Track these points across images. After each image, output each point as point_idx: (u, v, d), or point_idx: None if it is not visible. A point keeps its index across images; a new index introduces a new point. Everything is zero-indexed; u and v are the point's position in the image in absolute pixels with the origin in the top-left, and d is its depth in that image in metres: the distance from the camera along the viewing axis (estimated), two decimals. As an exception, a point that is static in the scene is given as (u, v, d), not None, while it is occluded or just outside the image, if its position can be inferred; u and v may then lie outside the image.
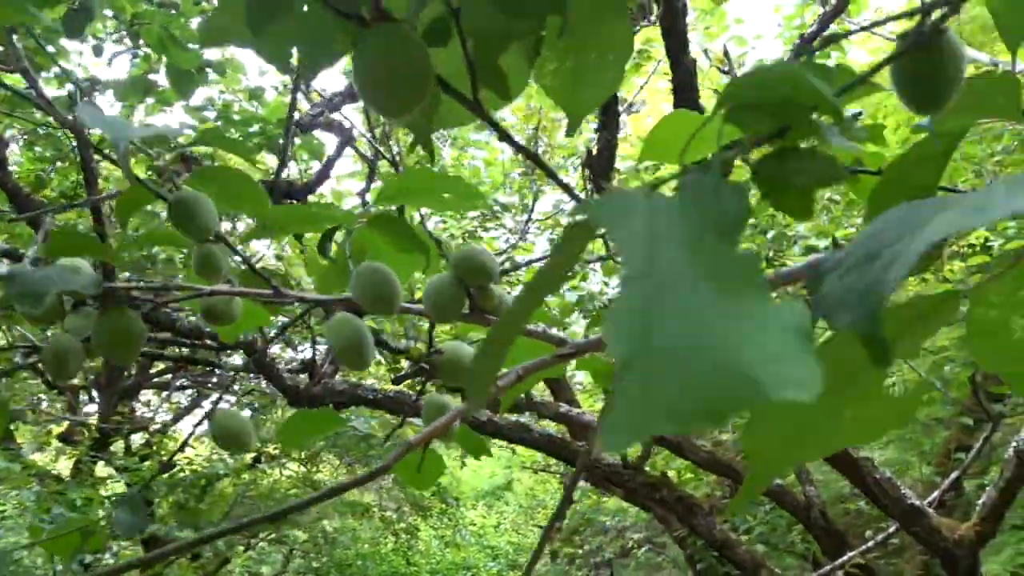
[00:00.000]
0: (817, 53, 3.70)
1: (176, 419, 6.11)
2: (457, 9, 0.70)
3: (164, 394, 6.23)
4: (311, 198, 3.76)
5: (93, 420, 5.55)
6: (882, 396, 0.56)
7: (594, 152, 3.25)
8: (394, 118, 0.63)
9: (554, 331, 0.95)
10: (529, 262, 3.84)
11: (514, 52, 0.83)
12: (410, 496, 6.91)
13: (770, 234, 4.07)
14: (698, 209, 0.35)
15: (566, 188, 0.82)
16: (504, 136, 0.74)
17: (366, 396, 3.31)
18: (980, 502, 3.36)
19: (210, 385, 5.69)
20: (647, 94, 4.69)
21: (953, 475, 3.75)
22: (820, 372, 0.27)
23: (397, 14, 0.67)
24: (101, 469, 5.71)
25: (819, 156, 0.49)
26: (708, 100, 4.90)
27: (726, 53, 3.03)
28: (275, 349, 4.19)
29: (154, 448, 5.38)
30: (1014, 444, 3.31)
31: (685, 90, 2.98)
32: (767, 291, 0.30)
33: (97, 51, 2.66)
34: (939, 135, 0.84)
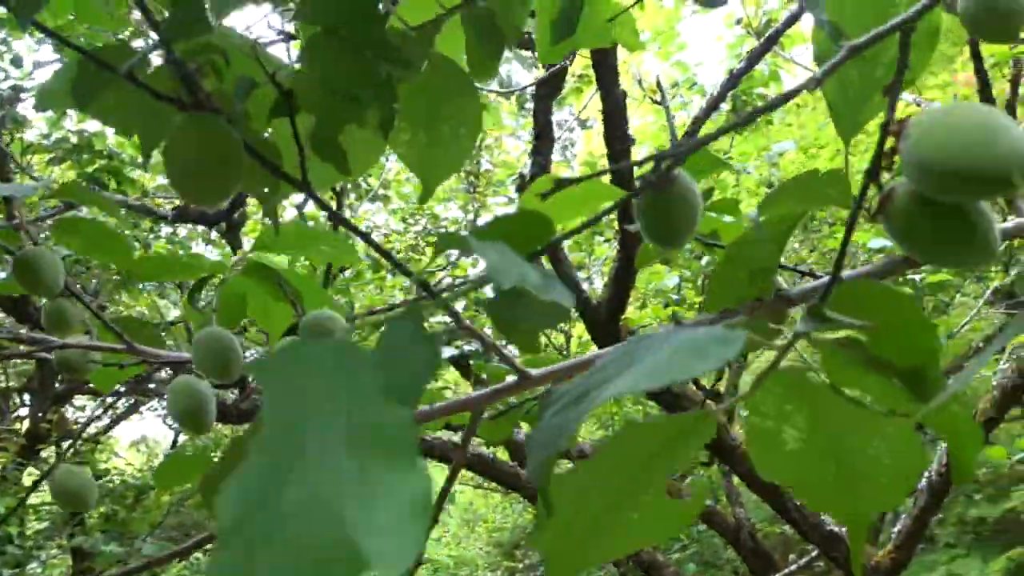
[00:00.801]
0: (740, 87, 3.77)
1: (110, 426, 6.00)
2: (289, 91, 0.71)
3: (99, 400, 6.12)
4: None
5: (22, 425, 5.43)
6: (666, 500, 0.59)
7: (528, 177, 3.28)
8: (203, 205, 0.64)
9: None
10: (463, 282, 3.85)
11: (369, 125, 0.84)
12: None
13: (705, 259, 4.13)
14: (385, 362, 0.37)
15: (417, 280, 0.84)
16: (356, 232, 0.76)
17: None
18: (895, 530, 3.45)
19: (147, 391, 5.60)
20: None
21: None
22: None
23: (220, 99, 0.68)
24: (29, 477, 5.59)
25: (543, 302, 0.52)
26: (638, 130, 4.96)
27: (658, 84, 3.08)
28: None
29: (84, 456, 5.27)
30: (926, 474, 3.41)
31: (615, 120, 3.02)
32: (410, 458, 0.32)
33: (16, 62, 2.62)
34: (775, 222, 0.87)
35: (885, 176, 0.61)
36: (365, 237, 0.72)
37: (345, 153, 0.77)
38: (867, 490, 0.60)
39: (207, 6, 0.70)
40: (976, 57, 2.80)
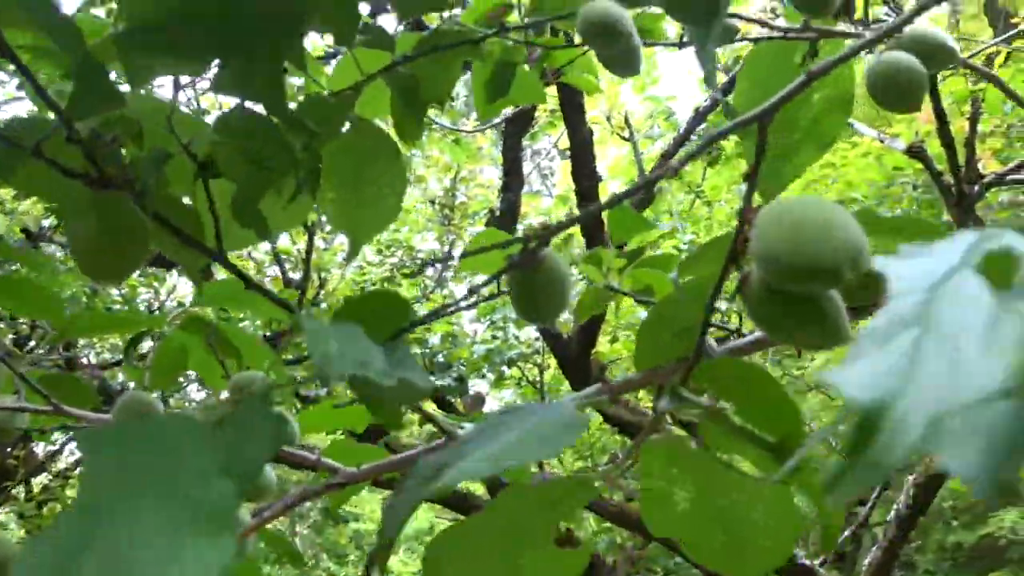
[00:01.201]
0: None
1: (79, 462, 5.93)
2: (204, 163, 0.72)
3: (70, 432, 6.03)
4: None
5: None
6: (553, 551, 0.59)
7: (497, 213, 3.30)
8: (106, 282, 0.65)
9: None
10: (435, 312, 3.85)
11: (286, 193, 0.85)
12: (327, 542, 6.79)
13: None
14: (228, 441, 0.37)
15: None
16: (241, 276, 0.76)
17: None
18: (866, 562, 3.46)
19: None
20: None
21: (846, 532, 3.85)
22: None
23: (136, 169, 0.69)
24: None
25: (406, 382, 0.53)
26: (613, 164, 5.01)
27: (627, 120, 3.11)
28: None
29: (55, 493, 5.20)
30: (896, 507, 3.42)
31: (582, 158, 3.05)
32: (222, 533, 0.32)
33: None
34: (696, 282, 0.88)
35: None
36: (247, 280, 0.73)
37: (264, 219, 0.78)
38: (752, 553, 0.61)
39: (121, 77, 0.71)
40: (934, 95, 2.84)
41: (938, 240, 0.90)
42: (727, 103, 0.67)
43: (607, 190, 4.76)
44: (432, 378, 3.19)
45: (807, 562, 3.45)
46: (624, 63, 0.83)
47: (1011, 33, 3.34)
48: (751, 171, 0.54)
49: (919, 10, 0.71)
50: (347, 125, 0.82)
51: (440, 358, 4.95)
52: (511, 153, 3.28)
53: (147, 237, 0.67)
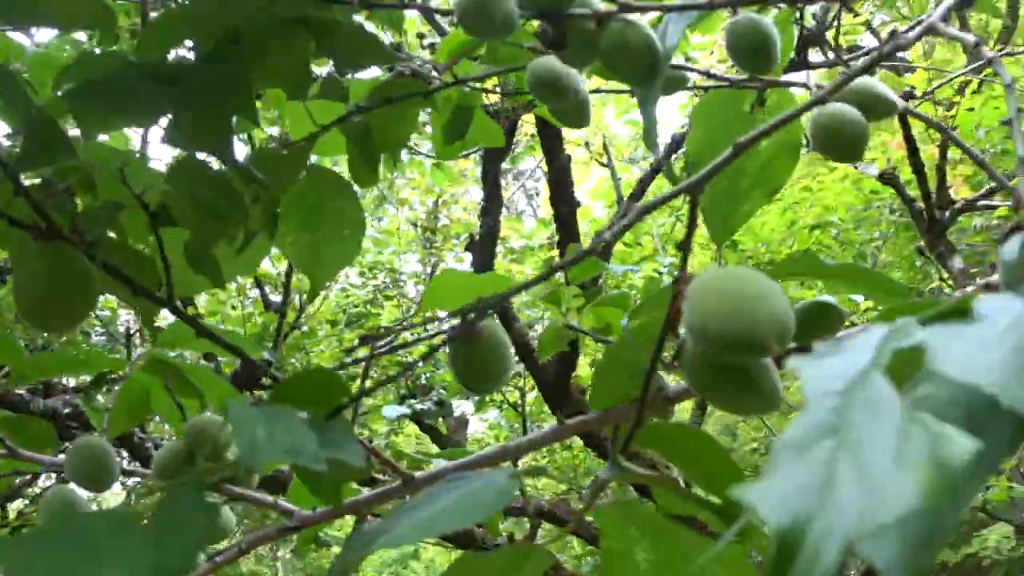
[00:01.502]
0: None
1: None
2: (155, 212, 0.73)
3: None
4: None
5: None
6: None
7: (477, 237, 3.32)
8: (52, 333, 0.65)
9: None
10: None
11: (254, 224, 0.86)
12: (308, 567, 6.73)
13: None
14: (158, 536, 0.38)
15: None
16: (192, 324, 0.77)
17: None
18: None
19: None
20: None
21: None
22: None
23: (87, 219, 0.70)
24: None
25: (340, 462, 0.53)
26: (594, 189, 5.04)
27: (605, 147, 3.14)
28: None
29: (29, 519, 5.13)
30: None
31: (561, 185, 3.08)
32: None
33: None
34: (647, 326, 0.89)
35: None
36: (200, 329, 0.74)
37: (218, 265, 0.79)
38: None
39: (72, 127, 0.72)
40: (904, 124, 2.89)
41: (876, 287, 0.92)
42: (669, 165, 0.68)
43: (589, 213, 4.78)
44: (413, 401, 3.19)
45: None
46: (573, 116, 0.85)
47: (979, 63, 3.39)
48: (684, 240, 0.56)
49: (870, 65, 0.73)
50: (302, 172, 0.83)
51: (423, 380, 4.95)
52: (491, 177, 3.30)
53: (94, 287, 0.68)
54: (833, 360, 0.32)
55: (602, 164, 3.47)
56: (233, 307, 4.93)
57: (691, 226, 0.55)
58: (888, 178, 3.20)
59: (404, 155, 1.93)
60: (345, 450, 0.51)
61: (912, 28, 0.73)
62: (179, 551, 0.38)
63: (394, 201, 4.85)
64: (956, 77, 3.26)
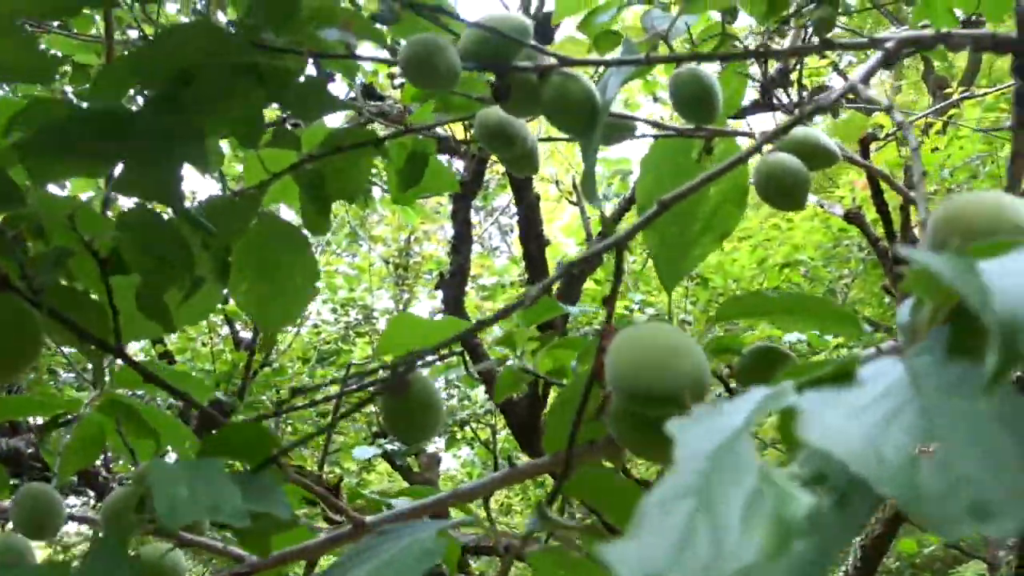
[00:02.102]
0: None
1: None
2: (104, 259, 0.73)
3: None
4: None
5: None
6: None
7: (447, 276, 3.33)
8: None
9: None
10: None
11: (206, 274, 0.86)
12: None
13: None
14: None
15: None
16: (145, 375, 0.77)
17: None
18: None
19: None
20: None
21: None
22: None
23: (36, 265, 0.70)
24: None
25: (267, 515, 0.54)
26: (566, 226, 5.08)
27: (575, 185, 3.17)
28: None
29: None
30: (843, 569, 3.44)
31: (530, 223, 3.11)
32: None
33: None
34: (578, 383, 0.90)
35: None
36: (146, 373, 0.74)
37: (168, 311, 0.79)
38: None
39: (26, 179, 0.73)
40: (869, 172, 2.94)
41: (826, 318, 0.93)
42: (603, 216, 0.70)
43: (560, 251, 4.81)
44: (383, 441, 3.16)
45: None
46: (521, 164, 0.86)
47: (942, 104, 3.49)
48: (609, 296, 0.57)
49: (808, 114, 0.75)
50: (254, 220, 0.84)
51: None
52: (460, 215, 3.32)
53: (38, 335, 0.68)
54: (708, 423, 0.33)
55: (572, 203, 3.50)
56: (204, 344, 4.89)
57: (617, 279, 0.57)
58: (853, 217, 3.25)
59: (376, 192, 1.94)
60: (271, 503, 0.52)
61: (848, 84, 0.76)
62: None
63: (366, 238, 4.85)
64: (917, 119, 3.33)
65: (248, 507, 0.50)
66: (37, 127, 0.68)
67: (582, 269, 3.25)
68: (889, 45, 0.65)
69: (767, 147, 0.90)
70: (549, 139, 0.99)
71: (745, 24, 2.31)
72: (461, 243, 3.34)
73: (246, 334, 4.50)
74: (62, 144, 0.70)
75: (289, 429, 5.34)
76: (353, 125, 0.95)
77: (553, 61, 0.71)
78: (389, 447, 3.65)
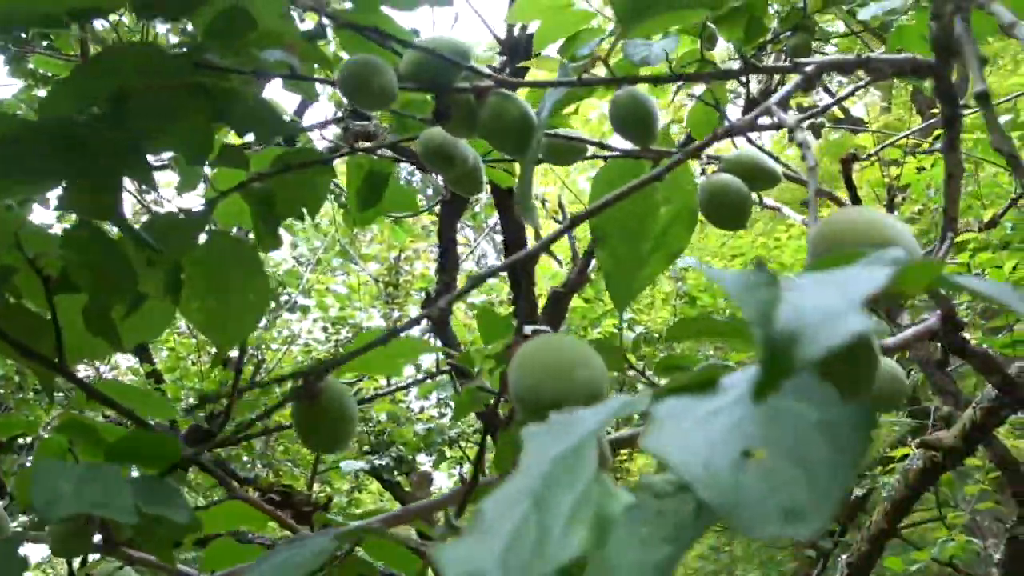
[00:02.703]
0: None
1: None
2: (47, 277, 0.74)
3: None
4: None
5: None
6: None
7: (434, 294, 3.34)
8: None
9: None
10: (378, 394, 3.84)
11: (155, 291, 0.87)
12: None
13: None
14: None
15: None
16: (97, 396, 0.77)
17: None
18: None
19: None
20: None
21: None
22: None
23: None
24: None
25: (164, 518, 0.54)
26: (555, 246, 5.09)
27: (560, 204, 3.19)
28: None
29: None
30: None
31: (515, 241, 3.12)
32: None
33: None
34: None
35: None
36: (92, 392, 0.74)
37: (115, 328, 0.80)
38: None
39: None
40: (849, 184, 2.97)
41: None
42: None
43: (549, 268, 4.83)
44: (371, 457, 3.16)
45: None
46: (465, 184, 0.87)
47: (924, 124, 3.51)
48: (516, 310, 0.58)
49: (755, 117, 0.76)
50: (204, 238, 0.85)
51: (384, 436, 4.91)
52: (446, 234, 3.33)
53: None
54: (560, 429, 0.34)
55: (557, 221, 3.51)
56: (193, 363, 4.89)
57: (525, 298, 0.57)
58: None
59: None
60: (169, 506, 0.52)
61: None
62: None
63: (357, 256, 4.87)
64: (899, 139, 3.36)
65: (144, 509, 0.50)
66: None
67: (572, 289, 3.25)
68: (809, 69, 0.67)
69: (710, 168, 0.91)
70: (489, 162, 1.00)
71: (723, 48, 2.33)
72: (447, 262, 3.35)
73: (234, 352, 4.50)
74: (9, 161, 0.71)
75: (281, 448, 5.33)
76: (332, 144, 0.96)
77: (490, 83, 0.72)
78: (377, 463, 3.65)
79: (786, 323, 0.29)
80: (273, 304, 5.24)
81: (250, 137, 0.84)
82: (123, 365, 5.69)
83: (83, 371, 5.05)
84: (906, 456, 3.11)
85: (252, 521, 1.03)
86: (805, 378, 0.35)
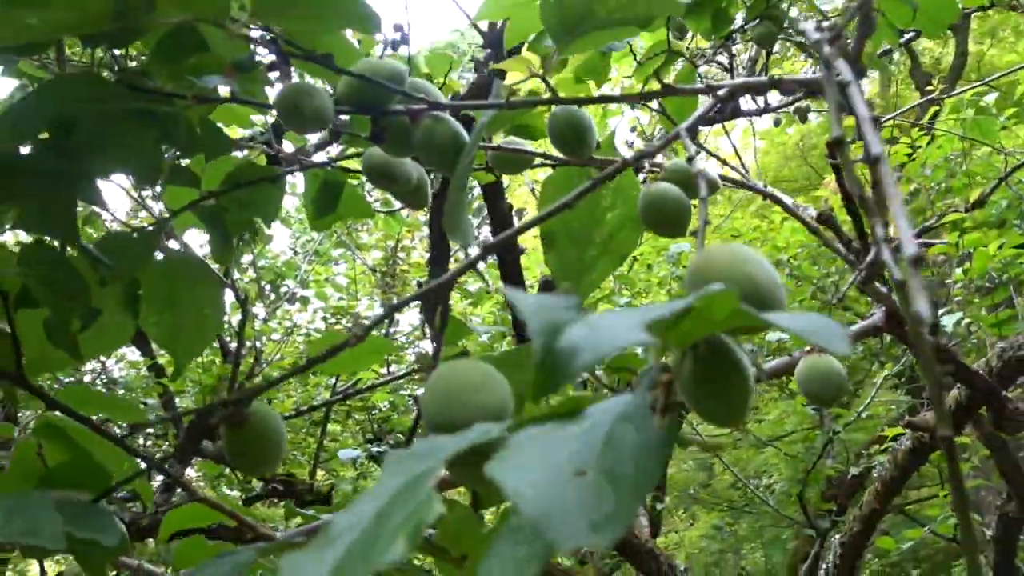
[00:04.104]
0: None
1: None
2: (5, 293, 0.77)
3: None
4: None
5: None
6: None
7: (423, 285, 3.36)
8: None
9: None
10: (376, 385, 3.88)
11: (115, 306, 0.90)
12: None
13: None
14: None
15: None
16: (54, 404, 0.81)
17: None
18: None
19: None
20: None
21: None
22: None
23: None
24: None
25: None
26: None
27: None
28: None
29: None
30: (823, 567, 3.47)
31: (502, 231, 3.14)
32: None
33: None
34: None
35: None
36: (50, 401, 0.78)
37: (75, 340, 0.83)
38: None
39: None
40: (837, 170, 2.98)
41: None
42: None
43: (540, 258, 4.85)
44: (370, 445, 3.20)
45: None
46: (412, 198, 0.90)
47: (920, 102, 3.50)
48: (438, 332, 0.60)
49: (667, 142, 0.78)
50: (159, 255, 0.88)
51: (385, 425, 4.96)
52: (436, 227, 3.36)
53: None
54: (415, 456, 0.37)
55: (549, 210, 3.53)
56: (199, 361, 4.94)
57: (443, 322, 0.60)
58: (824, 219, 3.28)
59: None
60: (99, 530, 0.55)
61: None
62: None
63: (353, 247, 4.90)
64: (897, 115, 3.37)
65: (76, 533, 0.54)
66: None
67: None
68: (722, 92, 0.69)
69: (652, 176, 0.93)
70: (547, 158, 1.02)
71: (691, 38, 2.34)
72: (438, 254, 3.38)
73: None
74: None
75: (288, 436, 5.38)
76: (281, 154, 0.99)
77: (423, 106, 0.75)
78: (376, 451, 3.69)
79: (569, 338, 0.32)
80: (273, 296, 5.28)
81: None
82: (131, 357, 5.74)
83: (91, 365, 5.12)
84: (899, 436, 3.14)
85: (219, 519, 1.06)
86: (643, 411, 0.38)
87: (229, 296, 4.72)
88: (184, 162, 0.88)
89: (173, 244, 1.10)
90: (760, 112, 2.91)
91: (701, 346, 0.49)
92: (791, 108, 3.13)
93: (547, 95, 0.77)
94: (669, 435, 0.34)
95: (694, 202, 0.89)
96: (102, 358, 5.05)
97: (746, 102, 3.03)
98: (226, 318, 4.54)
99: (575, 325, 0.35)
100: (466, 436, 0.38)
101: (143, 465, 1.04)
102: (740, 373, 0.49)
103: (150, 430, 4.76)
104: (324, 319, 5.52)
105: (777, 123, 3.42)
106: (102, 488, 0.67)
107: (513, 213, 3.15)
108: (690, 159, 0.61)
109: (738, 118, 2.99)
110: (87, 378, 5.18)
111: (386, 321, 4.89)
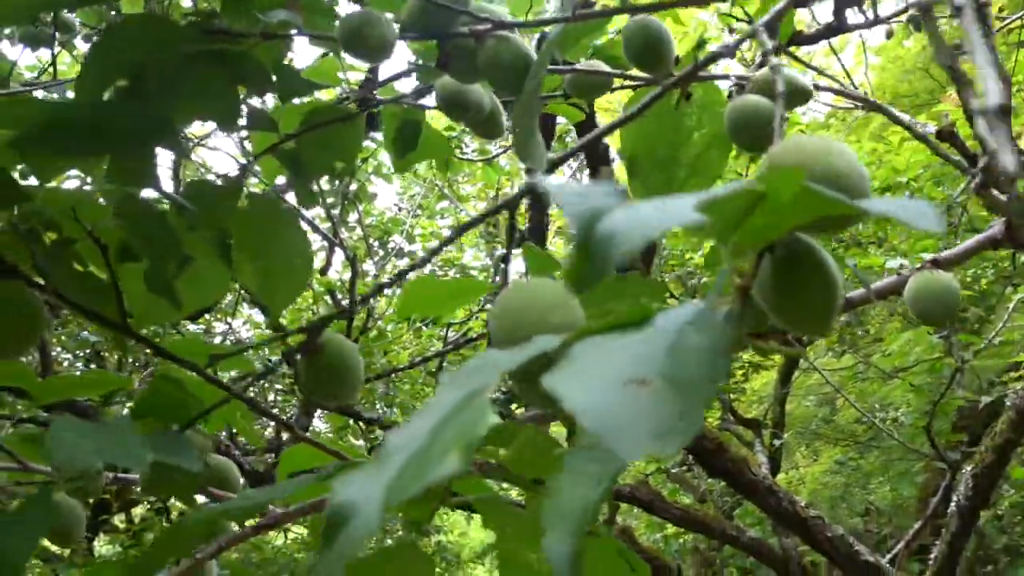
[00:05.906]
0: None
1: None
2: (106, 247, 0.80)
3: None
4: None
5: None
6: None
7: (524, 234, 3.37)
8: (3, 359, 0.73)
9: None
10: (485, 334, 3.92)
11: (209, 257, 0.93)
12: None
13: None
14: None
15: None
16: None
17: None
18: (932, 557, 3.37)
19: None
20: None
21: (915, 527, 3.75)
22: None
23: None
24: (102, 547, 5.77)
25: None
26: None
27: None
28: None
29: (152, 523, 5.42)
30: (955, 499, 3.32)
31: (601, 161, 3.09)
32: None
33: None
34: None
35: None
36: (159, 351, 0.81)
37: (174, 289, 0.86)
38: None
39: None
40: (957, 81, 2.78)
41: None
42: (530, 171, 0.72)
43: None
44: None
45: (871, 558, 3.39)
46: (485, 128, 0.88)
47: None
48: (505, 254, 0.59)
49: (742, 40, 0.73)
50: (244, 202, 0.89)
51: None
52: (529, 171, 3.34)
53: (40, 317, 0.76)
54: (468, 375, 0.36)
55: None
56: (312, 313, 5.12)
57: (510, 240, 0.58)
58: (945, 135, 3.07)
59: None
60: (181, 456, 0.57)
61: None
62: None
63: (454, 198, 4.93)
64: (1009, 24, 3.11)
65: (157, 458, 0.56)
66: (25, 128, 0.74)
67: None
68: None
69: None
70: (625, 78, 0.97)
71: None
72: (534, 199, 3.36)
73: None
74: (55, 144, 0.77)
75: (407, 387, 5.54)
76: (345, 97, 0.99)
77: (488, 26, 0.72)
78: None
79: (610, 222, 0.30)
80: (381, 252, 5.39)
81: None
82: (259, 318, 5.98)
83: (220, 327, 5.38)
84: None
85: (324, 461, 1.09)
86: (710, 316, 0.36)
87: (339, 255, 4.85)
88: (264, 105, 0.89)
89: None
90: (869, 24, 2.72)
91: (779, 247, 0.46)
92: (904, 17, 2.92)
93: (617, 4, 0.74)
94: (735, 339, 0.32)
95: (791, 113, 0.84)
96: (229, 320, 5.30)
97: (854, 14, 2.84)
98: (336, 276, 4.68)
99: (617, 209, 0.32)
100: (524, 350, 0.37)
101: (262, 417, 1.07)
102: (823, 274, 0.45)
103: (279, 386, 4.99)
104: (432, 272, 5.61)
105: (889, 35, 3.20)
106: (185, 419, 0.69)
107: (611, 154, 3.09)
108: (765, 55, 0.57)
109: (845, 32, 2.81)
110: (216, 340, 5.45)
111: (493, 269, 4.92)
